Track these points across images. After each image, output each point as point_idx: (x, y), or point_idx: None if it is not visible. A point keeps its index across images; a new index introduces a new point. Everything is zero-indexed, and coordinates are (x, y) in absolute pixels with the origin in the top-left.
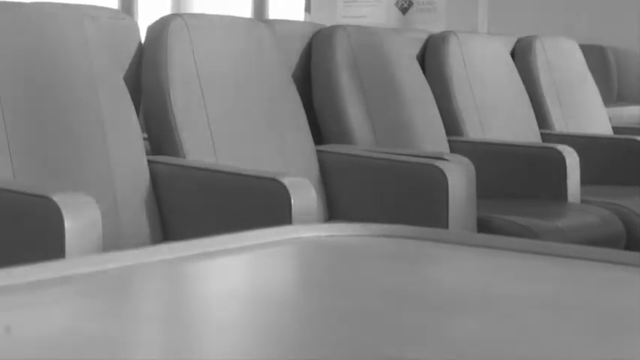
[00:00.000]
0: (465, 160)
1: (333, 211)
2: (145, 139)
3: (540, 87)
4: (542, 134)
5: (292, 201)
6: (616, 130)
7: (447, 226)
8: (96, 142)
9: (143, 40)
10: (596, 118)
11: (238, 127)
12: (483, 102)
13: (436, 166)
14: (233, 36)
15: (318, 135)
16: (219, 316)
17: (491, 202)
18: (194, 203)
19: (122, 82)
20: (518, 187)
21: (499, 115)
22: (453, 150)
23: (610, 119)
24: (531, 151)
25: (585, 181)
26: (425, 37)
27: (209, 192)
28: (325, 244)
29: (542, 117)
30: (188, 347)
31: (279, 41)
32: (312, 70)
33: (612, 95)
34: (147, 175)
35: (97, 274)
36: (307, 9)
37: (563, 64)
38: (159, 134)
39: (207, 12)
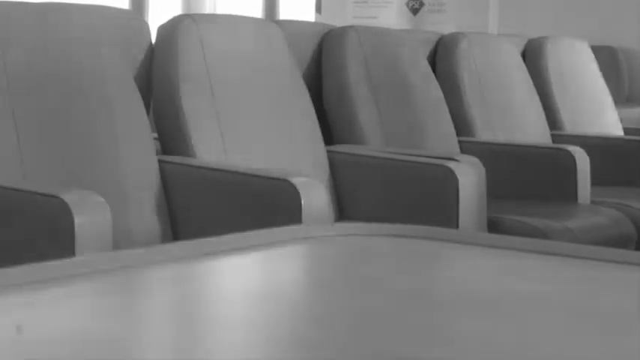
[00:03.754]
0: (476, 160)
1: (343, 212)
2: (155, 138)
3: (551, 88)
4: (552, 135)
5: (302, 201)
6: (626, 130)
7: (457, 227)
8: (106, 141)
9: (154, 40)
10: (607, 119)
11: (248, 127)
12: (494, 103)
13: (446, 167)
14: (243, 36)
15: (329, 135)
16: (229, 315)
17: (502, 202)
18: (204, 203)
19: (132, 82)
20: (528, 187)
21: (509, 115)
22: (463, 150)
23: (620, 120)
24: (542, 151)
25: (595, 181)
26: (436, 38)
27: (219, 192)
28: (335, 243)
29: (552, 118)
30: (198, 346)
31: (290, 41)
32: (323, 70)
33: (623, 96)
34: (157, 175)
35: (107, 273)
36: (318, 9)
37: (574, 64)
38: (169, 134)
39: (217, 12)
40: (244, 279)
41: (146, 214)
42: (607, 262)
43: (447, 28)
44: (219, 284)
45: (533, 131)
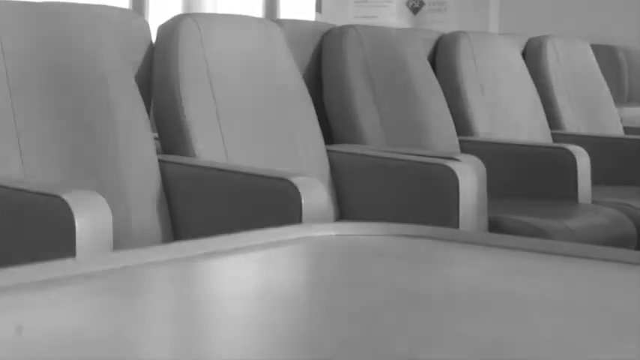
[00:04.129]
0: (476, 160)
1: (343, 211)
2: (155, 138)
3: (551, 87)
4: (553, 134)
5: (302, 200)
6: (627, 130)
7: (457, 226)
8: (107, 141)
9: (154, 39)
10: (607, 119)
11: (249, 127)
12: (494, 102)
13: (447, 166)
14: (244, 35)
15: (329, 135)
16: (230, 315)
17: (502, 202)
18: (204, 202)
19: (133, 82)
20: (528, 187)
21: (510, 115)
22: (463, 150)
23: (621, 119)
24: (542, 151)
25: (596, 181)
26: (436, 37)
27: (219, 191)
28: (335, 243)
29: (553, 117)
30: (199, 346)
31: (290, 41)
32: (323, 69)
33: (623, 95)
34: (157, 175)
35: (108, 273)
36: (318, 9)
37: (574, 64)
38: (169, 134)
39: (218, 11)
40: (245, 278)
41: (146, 214)
42: (607, 262)
43: (448, 28)
44: (219, 284)
45: (533, 130)
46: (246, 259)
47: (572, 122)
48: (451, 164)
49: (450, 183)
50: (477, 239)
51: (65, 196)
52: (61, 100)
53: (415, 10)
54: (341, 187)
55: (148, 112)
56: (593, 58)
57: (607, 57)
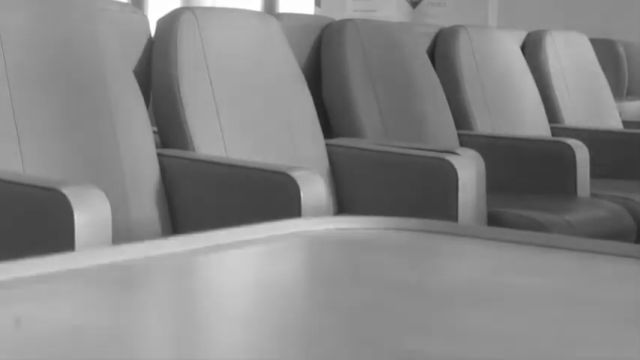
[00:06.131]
0: (475, 154)
1: (342, 205)
2: (154, 132)
3: (550, 81)
4: (552, 128)
5: (302, 194)
6: (626, 124)
7: (456, 220)
8: (106, 135)
9: (153, 33)
10: (607, 112)
11: (247, 121)
12: (493, 96)
13: (446, 160)
14: (243, 29)
15: (328, 129)
16: (230, 309)
17: (501, 196)
18: (203, 196)
19: (132, 76)
20: (527, 181)
21: (509, 109)
22: (462, 144)
23: (620, 113)
24: (541, 145)
25: (595, 175)
26: (435, 31)
27: (218, 185)
28: (335, 236)
29: (552, 111)
30: (198, 339)
31: (289, 35)
32: (322, 63)
33: (622, 89)
34: (156, 168)
35: (107, 267)
36: (317, 3)
37: (574, 58)
38: (168, 127)
39: (217, 5)
40: (244, 272)
41: (145, 208)
42: (606, 255)
43: (447, 22)
44: (219, 277)
45: (532, 124)
46: (246, 252)
47: (571, 116)
48: (450, 158)
49: (449, 177)
50: (476, 233)
51: (64, 190)
52: (60, 93)
53: (414, 4)
54: (340, 181)
55: (147, 106)
56: (593, 52)
57: (606, 51)
